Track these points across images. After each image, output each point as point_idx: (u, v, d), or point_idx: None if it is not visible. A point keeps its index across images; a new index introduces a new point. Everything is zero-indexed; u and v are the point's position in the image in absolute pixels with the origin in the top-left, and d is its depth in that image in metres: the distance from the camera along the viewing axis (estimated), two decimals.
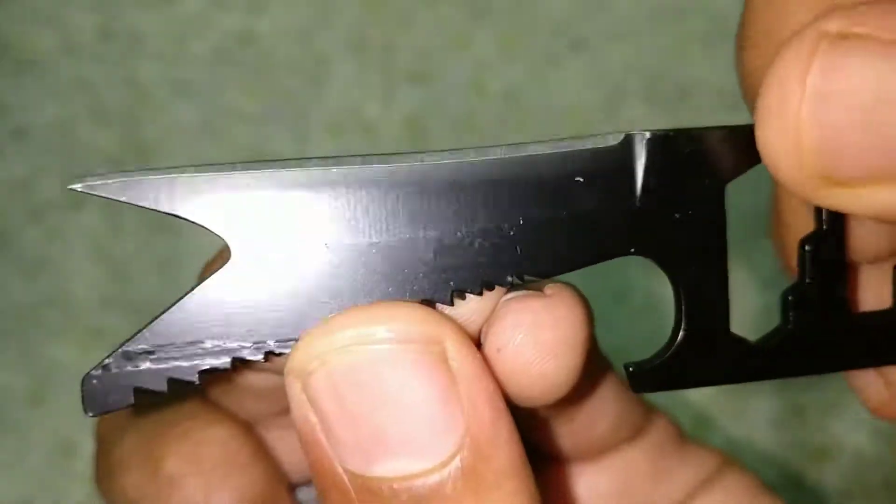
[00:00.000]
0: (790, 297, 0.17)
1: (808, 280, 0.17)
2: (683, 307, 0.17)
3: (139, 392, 0.15)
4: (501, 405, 0.13)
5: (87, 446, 0.49)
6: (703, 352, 0.17)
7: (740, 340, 0.17)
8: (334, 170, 0.14)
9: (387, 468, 0.12)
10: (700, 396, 0.51)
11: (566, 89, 0.55)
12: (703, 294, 0.15)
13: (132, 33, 0.57)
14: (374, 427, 0.12)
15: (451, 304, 0.14)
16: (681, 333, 0.17)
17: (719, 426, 0.50)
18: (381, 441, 0.12)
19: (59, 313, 0.51)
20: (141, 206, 0.14)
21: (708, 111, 0.55)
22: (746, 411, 0.51)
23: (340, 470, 0.12)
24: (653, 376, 0.17)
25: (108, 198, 0.14)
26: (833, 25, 0.11)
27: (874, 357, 0.17)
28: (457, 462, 0.12)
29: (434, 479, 0.12)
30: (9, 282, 0.51)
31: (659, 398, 0.51)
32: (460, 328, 0.13)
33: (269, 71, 0.56)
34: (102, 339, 0.50)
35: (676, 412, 0.50)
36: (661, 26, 0.57)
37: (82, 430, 0.49)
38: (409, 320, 0.12)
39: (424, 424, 0.12)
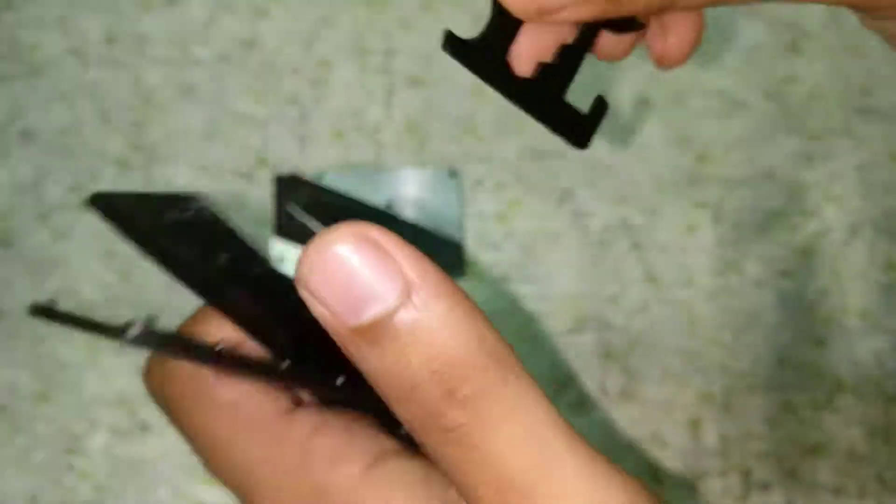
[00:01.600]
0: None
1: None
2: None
3: None
4: (429, 265, 0.19)
5: (93, 444, 0.49)
6: (493, 57, 0.23)
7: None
8: None
9: (366, 315, 0.19)
10: (693, 395, 0.51)
11: None
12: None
13: (138, 37, 0.57)
14: (350, 291, 0.19)
15: None
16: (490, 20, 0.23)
17: (714, 423, 0.50)
18: (357, 299, 0.19)
19: None
20: None
21: (703, 114, 0.56)
22: (741, 409, 0.51)
23: (345, 330, 0.19)
24: (462, 49, 0.23)
25: None
26: None
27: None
28: (408, 299, 0.19)
29: (395, 312, 0.19)
30: (17, 281, 0.52)
31: (656, 400, 0.52)
32: (387, 232, 0.20)
33: (273, 75, 0.57)
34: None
35: (673, 407, 0.51)
36: None
37: (88, 428, 0.50)
38: (352, 225, 0.19)
39: (377, 279, 0.19)
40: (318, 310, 0.19)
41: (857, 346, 0.52)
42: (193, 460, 0.49)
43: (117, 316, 0.54)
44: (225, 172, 0.54)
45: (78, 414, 0.50)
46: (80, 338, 0.51)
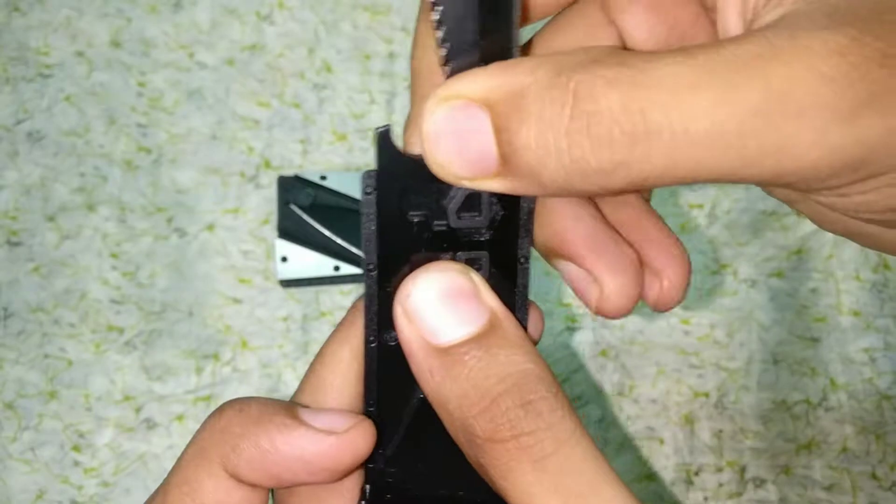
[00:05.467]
0: None
1: None
2: None
3: None
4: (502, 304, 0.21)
5: (99, 440, 0.50)
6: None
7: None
8: None
9: (456, 334, 0.20)
10: (688, 393, 0.52)
11: None
12: None
13: (144, 41, 0.57)
14: (442, 316, 0.20)
15: None
16: None
17: (708, 421, 0.51)
18: (448, 322, 0.20)
19: (73, 312, 0.52)
20: None
21: None
22: (735, 406, 0.51)
23: (429, 350, 0.20)
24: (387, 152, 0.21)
25: None
26: (440, 91, 0.19)
27: None
28: (492, 327, 0.20)
29: (482, 336, 0.20)
30: (24, 281, 0.52)
31: (651, 398, 0.52)
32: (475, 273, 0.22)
33: (276, 78, 0.57)
34: (115, 337, 0.52)
35: (668, 405, 0.51)
36: None
37: (94, 425, 0.50)
38: (448, 263, 0.22)
39: (468, 308, 0.20)
40: (407, 330, 0.20)
41: (850, 344, 0.52)
42: None
43: (123, 315, 0.54)
44: (229, 174, 0.55)
45: (84, 411, 0.50)
46: (87, 336, 0.51)
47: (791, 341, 0.52)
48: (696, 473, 0.50)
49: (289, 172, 0.54)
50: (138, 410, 0.50)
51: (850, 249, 0.54)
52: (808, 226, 0.54)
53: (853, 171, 0.18)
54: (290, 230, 0.52)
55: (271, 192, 0.54)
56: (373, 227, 0.21)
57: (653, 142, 0.17)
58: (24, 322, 0.51)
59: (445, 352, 0.20)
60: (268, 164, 0.55)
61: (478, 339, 0.20)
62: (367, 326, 0.22)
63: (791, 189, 0.20)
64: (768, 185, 0.20)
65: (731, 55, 0.17)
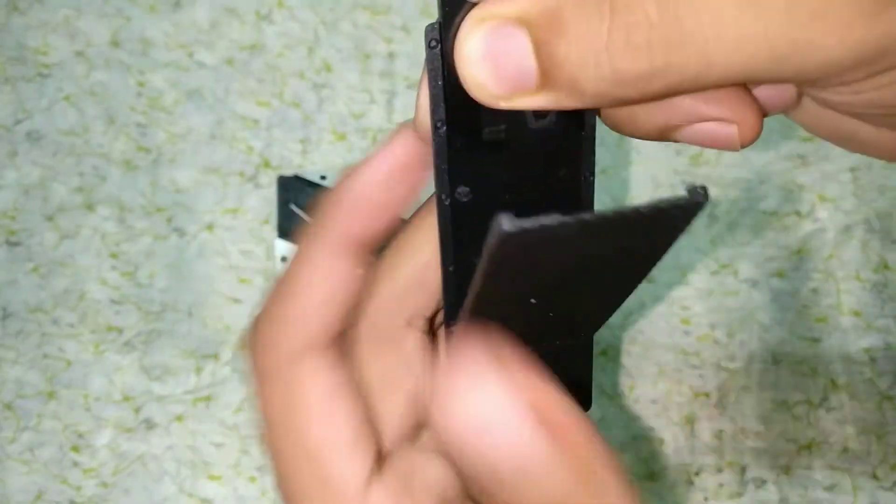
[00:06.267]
0: None
1: None
2: None
3: None
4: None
5: (98, 441, 0.50)
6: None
7: None
8: None
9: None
10: (688, 393, 0.52)
11: None
12: None
13: (143, 41, 0.58)
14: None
15: None
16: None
17: (709, 421, 0.51)
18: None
19: (72, 312, 0.52)
20: None
21: None
22: (735, 406, 0.52)
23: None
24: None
25: None
26: (476, 13, 0.19)
27: None
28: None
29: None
30: (23, 281, 0.52)
31: (651, 398, 0.52)
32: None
33: (276, 78, 0.57)
34: (114, 337, 0.52)
35: (669, 405, 0.51)
36: None
37: (94, 426, 0.50)
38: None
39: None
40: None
41: (851, 344, 0.52)
42: (198, 456, 0.49)
43: (122, 315, 0.54)
44: (229, 174, 0.55)
45: (83, 411, 0.50)
46: (86, 336, 0.51)
47: (792, 341, 0.52)
48: (697, 474, 0.50)
49: (288, 172, 0.54)
50: (137, 411, 0.50)
51: (851, 250, 0.54)
52: (808, 226, 0.54)
53: (873, 64, 0.19)
54: (290, 230, 0.52)
55: (271, 192, 0.54)
56: (439, 83, 0.20)
57: (688, 48, 0.18)
58: (23, 322, 0.51)
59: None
60: (267, 164, 0.55)
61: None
62: (438, 185, 0.22)
63: (810, 87, 0.21)
64: (793, 82, 0.21)
65: None
